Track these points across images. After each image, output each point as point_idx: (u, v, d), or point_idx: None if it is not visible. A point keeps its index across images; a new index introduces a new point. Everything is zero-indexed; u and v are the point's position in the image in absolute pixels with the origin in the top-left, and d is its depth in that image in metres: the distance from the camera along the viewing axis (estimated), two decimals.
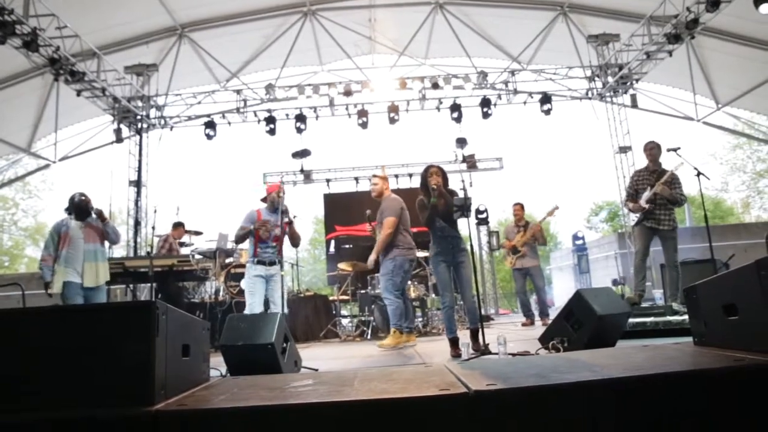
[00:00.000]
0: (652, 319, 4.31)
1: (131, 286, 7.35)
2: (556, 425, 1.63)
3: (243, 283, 5.66)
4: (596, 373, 1.85)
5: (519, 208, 7.86)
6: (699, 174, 5.04)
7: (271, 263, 5.30)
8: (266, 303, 5.25)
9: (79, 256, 5.36)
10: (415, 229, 10.23)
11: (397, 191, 12.73)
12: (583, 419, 1.65)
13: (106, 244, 5.76)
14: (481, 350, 3.67)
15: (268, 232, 5.25)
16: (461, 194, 4.05)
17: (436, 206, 4.11)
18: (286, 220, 5.31)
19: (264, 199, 5.53)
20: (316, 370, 3.77)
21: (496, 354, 3.57)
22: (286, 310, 5.29)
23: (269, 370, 3.14)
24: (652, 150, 5.87)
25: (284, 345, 3.39)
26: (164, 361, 1.88)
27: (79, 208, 5.48)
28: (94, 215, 5.53)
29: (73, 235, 5.41)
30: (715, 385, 1.68)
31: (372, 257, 5.50)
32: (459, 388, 1.74)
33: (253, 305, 5.16)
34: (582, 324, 3.50)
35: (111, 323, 1.85)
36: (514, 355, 3.60)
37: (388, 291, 5.24)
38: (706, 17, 8.64)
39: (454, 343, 4.00)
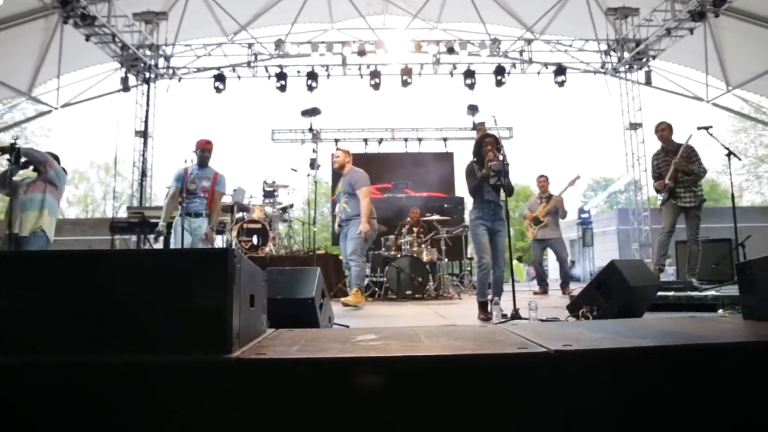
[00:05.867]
0: (673, 293, 4.41)
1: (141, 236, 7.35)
2: (635, 387, 1.68)
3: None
4: (665, 339, 1.90)
5: (544, 179, 7.86)
6: (730, 153, 5.08)
7: (197, 215, 5.41)
8: None
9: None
10: (425, 194, 10.35)
11: (406, 155, 12.83)
12: (660, 380, 1.69)
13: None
14: (512, 315, 3.74)
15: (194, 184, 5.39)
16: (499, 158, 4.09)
17: (486, 177, 4.15)
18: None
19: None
20: (347, 326, 3.81)
21: (527, 319, 3.64)
22: None
23: (306, 324, 3.18)
24: (663, 131, 5.91)
25: (321, 301, 3.43)
26: (239, 309, 1.89)
27: None
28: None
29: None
30: None
31: (365, 227, 5.58)
32: (536, 347, 1.77)
33: None
34: (613, 294, 3.56)
35: (189, 269, 1.85)
36: (543, 320, 3.67)
37: (357, 254, 5.64)
38: None
39: (483, 306, 4.08)
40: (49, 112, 13.52)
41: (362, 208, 5.61)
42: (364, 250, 5.73)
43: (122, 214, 13.13)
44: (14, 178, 5.14)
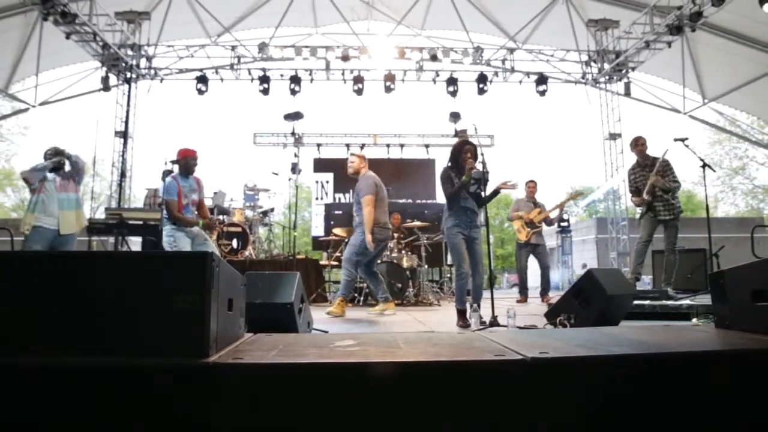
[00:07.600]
0: (649, 302, 4.49)
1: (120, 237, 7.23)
2: (610, 394, 1.70)
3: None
4: (639, 347, 1.93)
5: (533, 185, 7.96)
6: (705, 165, 5.20)
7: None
8: None
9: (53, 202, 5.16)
10: (406, 200, 10.38)
11: (388, 162, 12.84)
12: (634, 388, 1.72)
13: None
14: (490, 322, 3.77)
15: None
16: (479, 167, 4.13)
17: (466, 185, 4.17)
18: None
19: (175, 162, 5.42)
20: (326, 332, 3.80)
21: (505, 326, 3.66)
22: None
23: (285, 329, 3.16)
24: (642, 146, 6.06)
25: (300, 306, 3.41)
26: (216, 313, 1.87)
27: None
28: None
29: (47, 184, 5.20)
30: (753, 363, 1.77)
31: (368, 238, 5.33)
32: (513, 354, 1.79)
33: None
34: (590, 302, 3.61)
35: (168, 273, 1.83)
36: (521, 328, 3.70)
37: (350, 263, 5.41)
38: (709, 11, 8.74)
39: (461, 314, 4.10)
40: (26, 109, 13.27)
41: (364, 218, 5.35)
42: (362, 259, 5.47)
43: (100, 214, 12.93)
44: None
